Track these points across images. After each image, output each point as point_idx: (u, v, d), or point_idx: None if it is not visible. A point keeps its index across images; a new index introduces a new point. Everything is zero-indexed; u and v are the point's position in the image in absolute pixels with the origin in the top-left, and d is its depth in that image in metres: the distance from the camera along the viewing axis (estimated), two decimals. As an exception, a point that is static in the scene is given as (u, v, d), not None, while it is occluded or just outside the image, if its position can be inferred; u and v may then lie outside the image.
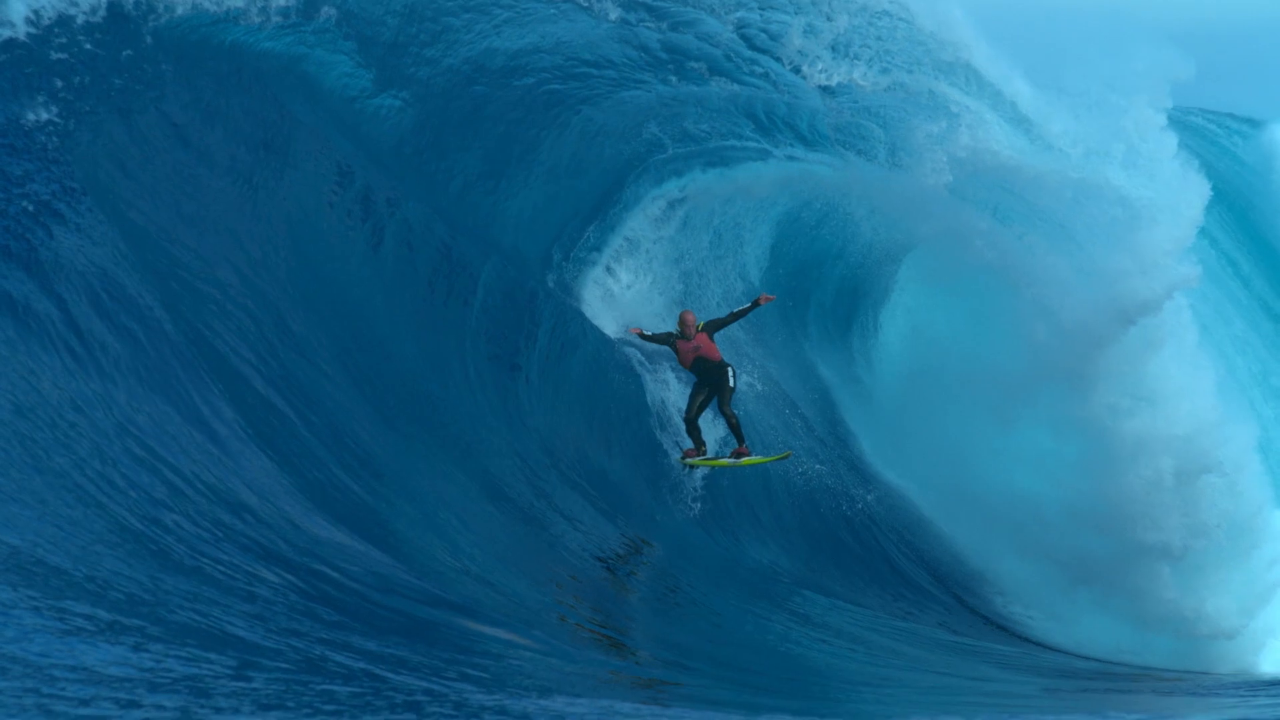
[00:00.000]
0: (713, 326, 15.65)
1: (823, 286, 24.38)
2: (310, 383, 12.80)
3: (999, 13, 22.20)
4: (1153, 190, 21.40)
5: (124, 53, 13.09)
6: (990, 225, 21.09)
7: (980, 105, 21.30)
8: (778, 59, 19.67)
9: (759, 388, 19.83)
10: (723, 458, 16.26)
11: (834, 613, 16.10)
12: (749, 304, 15.88)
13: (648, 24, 18.27)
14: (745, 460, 16.18)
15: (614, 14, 18.07)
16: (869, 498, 20.68)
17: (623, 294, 19.15)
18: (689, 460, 16.30)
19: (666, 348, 16.24)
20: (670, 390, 18.19)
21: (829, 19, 19.27)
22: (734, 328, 17.94)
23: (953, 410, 22.12)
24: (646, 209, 19.96)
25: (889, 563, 19.89)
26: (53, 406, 9.45)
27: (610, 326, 18.39)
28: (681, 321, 15.58)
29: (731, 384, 15.57)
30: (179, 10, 13.60)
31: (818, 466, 19.88)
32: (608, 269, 19.25)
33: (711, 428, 17.06)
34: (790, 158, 20.93)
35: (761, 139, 20.73)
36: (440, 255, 16.43)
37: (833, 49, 19.83)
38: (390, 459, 12.89)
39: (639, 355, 18.42)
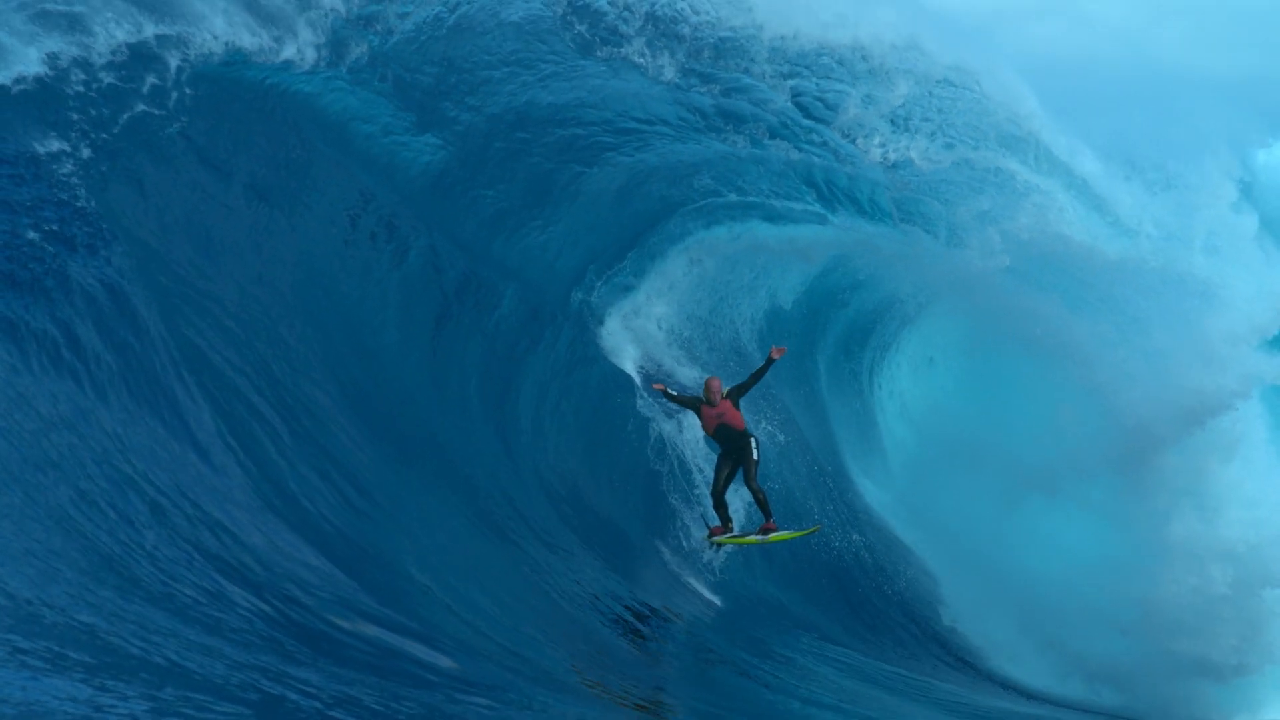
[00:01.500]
0: (736, 393, 15.21)
1: (863, 350, 23.66)
2: (312, 408, 12.68)
3: (1054, 75, 21.36)
4: (1231, 276, 20.39)
5: (150, 87, 12.87)
6: (1054, 310, 20.20)
7: (1050, 184, 20.55)
8: (836, 129, 19.12)
9: (781, 439, 19.11)
10: (750, 534, 15.75)
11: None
12: (764, 362, 15.27)
13: (699, 89, 17.90)
14: (774, 536, 15.61)
15: (668, 74, 17.67)
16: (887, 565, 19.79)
17: (648, 327, 18.65)
18: (716, 539, 15.66)
19: (690, 411, 15.90)
20: (684, 434, 17.60)
21: (888, 89, 18.68)
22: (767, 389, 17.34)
23: (983, 489, 21.09)
24: (690, 248, 19.58)
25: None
26: (43, 421, 9.49)
27: (631, 358, 17.81)
28: (707, 388, 15.15)
29: (755, 456, 15.06)
30: (211, 48, 13.34)
31: (852, 538, 19.07)
32: (638, 300, 18.87)
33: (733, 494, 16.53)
34: (849, 228, 20.38)
35: (820, 205, 20.32)
36: (461, 284, 16.42)
37: (891, 121, 19.30)
38: (384, 488, 12.73)
39: (655, 403, 18.10)
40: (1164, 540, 19.49)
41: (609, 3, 16.69)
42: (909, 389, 24.85)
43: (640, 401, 18.10)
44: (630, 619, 14.38)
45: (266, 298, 13.36)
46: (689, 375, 19.06)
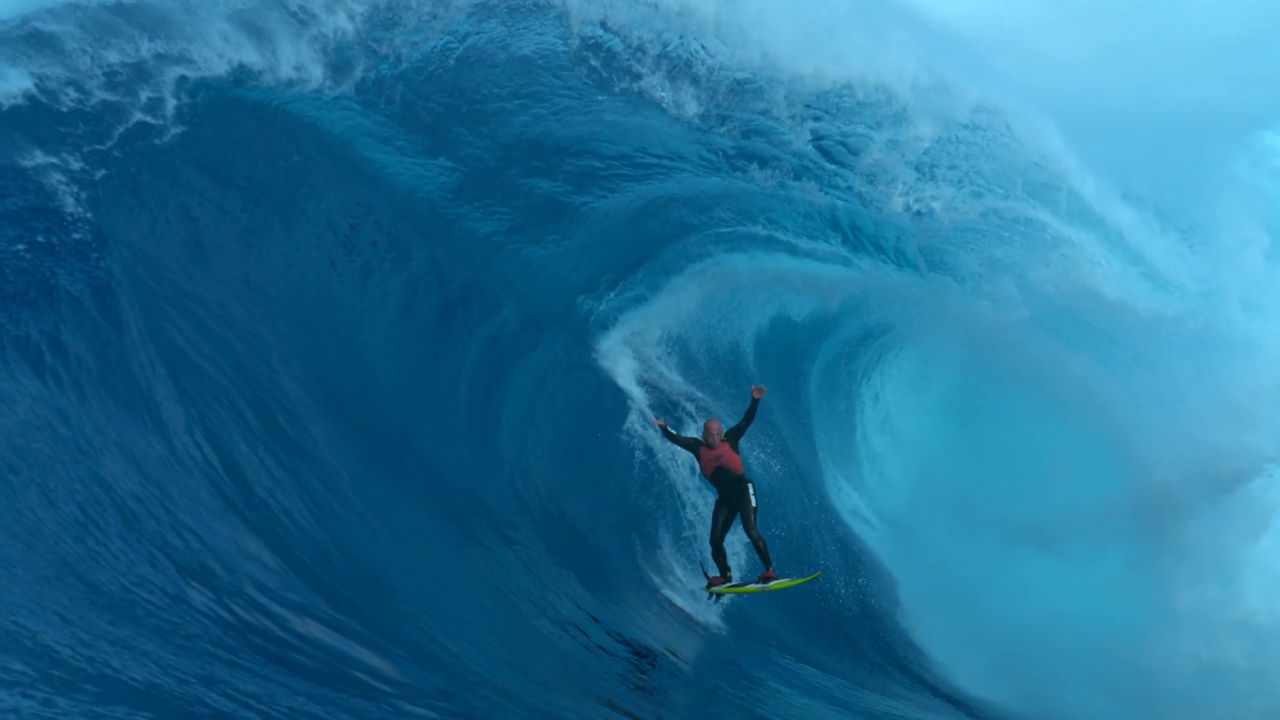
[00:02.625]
0: (734, 435, 14.95)
1: (880, 398, 23.23)
2: (292, 407, 12.79)
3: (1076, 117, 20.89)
4: (1268, 332, 19.82)
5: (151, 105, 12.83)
6: (1080, 365, 19.71)
7: (1082, 235, 20.04)
8: (861, 174, 18.81)
9: (777, 468, 18.72)
10: (750, 583, 15.44)
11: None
12: (750, 403, 14.95)
13: (718, 130, 17.70)
14: (775, 585, 15.34)
15: (688, 113, 17.45)
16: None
17: (652, 339, 18.35)
18: (715, 589, 15.39)
19: (689, 452, 15.69)
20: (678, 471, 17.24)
21: (912, 133, 18.33)
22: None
23: (983, 539, 20.49)
24: (708, 270, 19.33)
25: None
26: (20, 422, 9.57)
27: (630, 370, 17.70)
28: (706, 430, 14.91)
29: (754, 503, 14.78)
30: (212, 66, 13.29)
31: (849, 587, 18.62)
32: (647, 313, 18.75)
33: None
34: (872, 272, 20.05)
35: (844, 248, 20.14)
36: (463, 294, 16.37)
37: (917, 169, 18.91)
38: (360, 491, 12.66)
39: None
40: (1174, 606, 18.79)
41: (622, 43, 16.51)
42: (920, 434, 24.33)
43: (631, 416, 17.89)
44: (603, 635, 14.19)
45: (254, 300, 13.34)
46: (683, 389, 18.70)
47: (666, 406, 18.31)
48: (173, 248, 12.73)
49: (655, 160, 18.15)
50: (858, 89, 17.86)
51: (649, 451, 17.55)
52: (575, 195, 17.68)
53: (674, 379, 18.85)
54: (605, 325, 18.39)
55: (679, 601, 16.47)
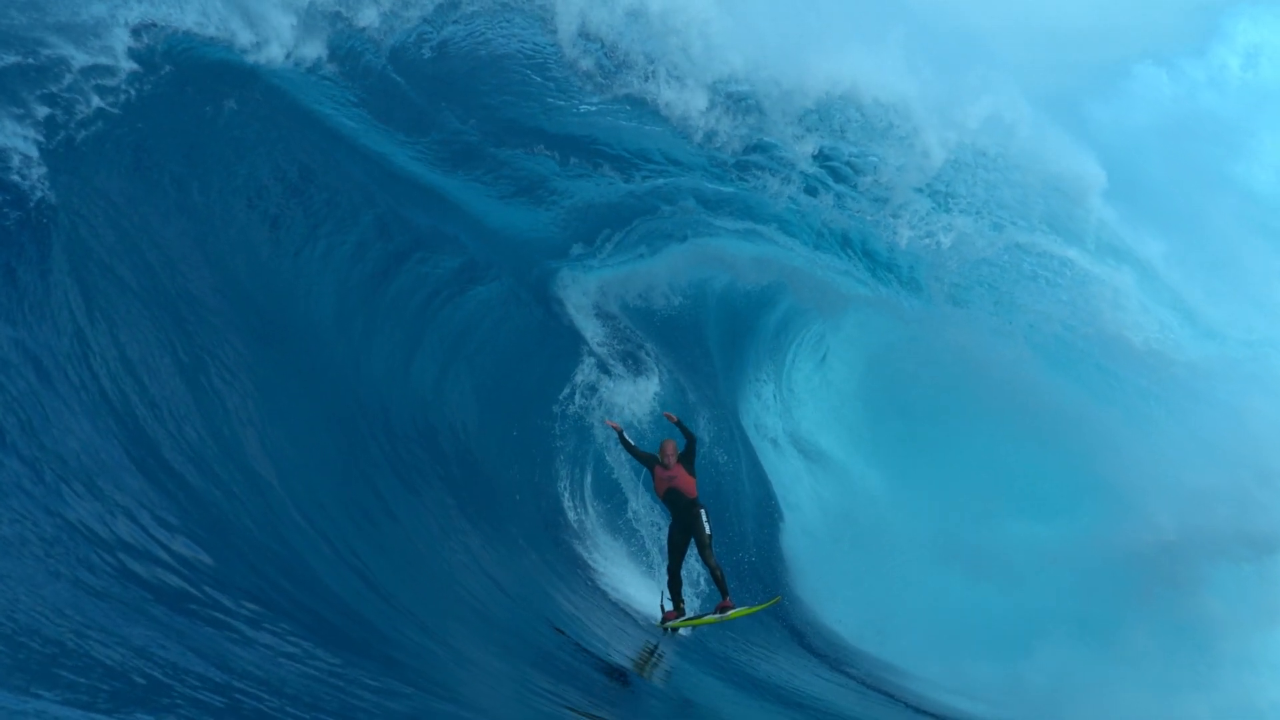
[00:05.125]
0: (686, 459, 14.62)
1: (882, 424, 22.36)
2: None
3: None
4: None
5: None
6: (1116, 425, 18.71)
7: (1113, 273, 19.08)
8: (870, 197, 18.11)
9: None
10: (707, 614, 15.19)
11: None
12: (678, 426, 14.77)
13: (720, 144, 17.04)
14: (733, 614, 15.06)
15: (690, 126, 16.87)
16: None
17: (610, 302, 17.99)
18: (671, 624, 15.09)
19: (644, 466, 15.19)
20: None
21: (923, 156, 17.57)
22: None
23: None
24: (708, 251, 19.06)
25: None
26: None
27: (594, 332, 17.47)
28: (662, 450, 14.58)
29: (708, 530, 14.48)
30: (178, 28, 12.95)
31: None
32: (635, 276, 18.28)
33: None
34: (879, 293, 19.39)
35: (849, 263, 19.45)
36: (418, 242, 15.96)
37: (930, 194, 18.17)
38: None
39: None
40: (1165, 677, 17.52)
41: (604, 52, 16.11)
42: (919, 461, 23.20)
43: (580, 371, 17.56)
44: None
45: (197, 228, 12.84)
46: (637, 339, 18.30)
47: (622, 355, 17.99)
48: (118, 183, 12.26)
49: (651, 164, 17.67)
50: (853, 99, 17.20)
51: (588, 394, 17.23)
52: (557, 176, 17.27)
53: (631, 330, 18.38)
54: (573, 282, 18.07)
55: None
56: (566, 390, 17.20)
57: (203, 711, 7.67)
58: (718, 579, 14.67)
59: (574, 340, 17.71)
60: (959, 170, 18.13)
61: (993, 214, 18.54)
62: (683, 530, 14.64)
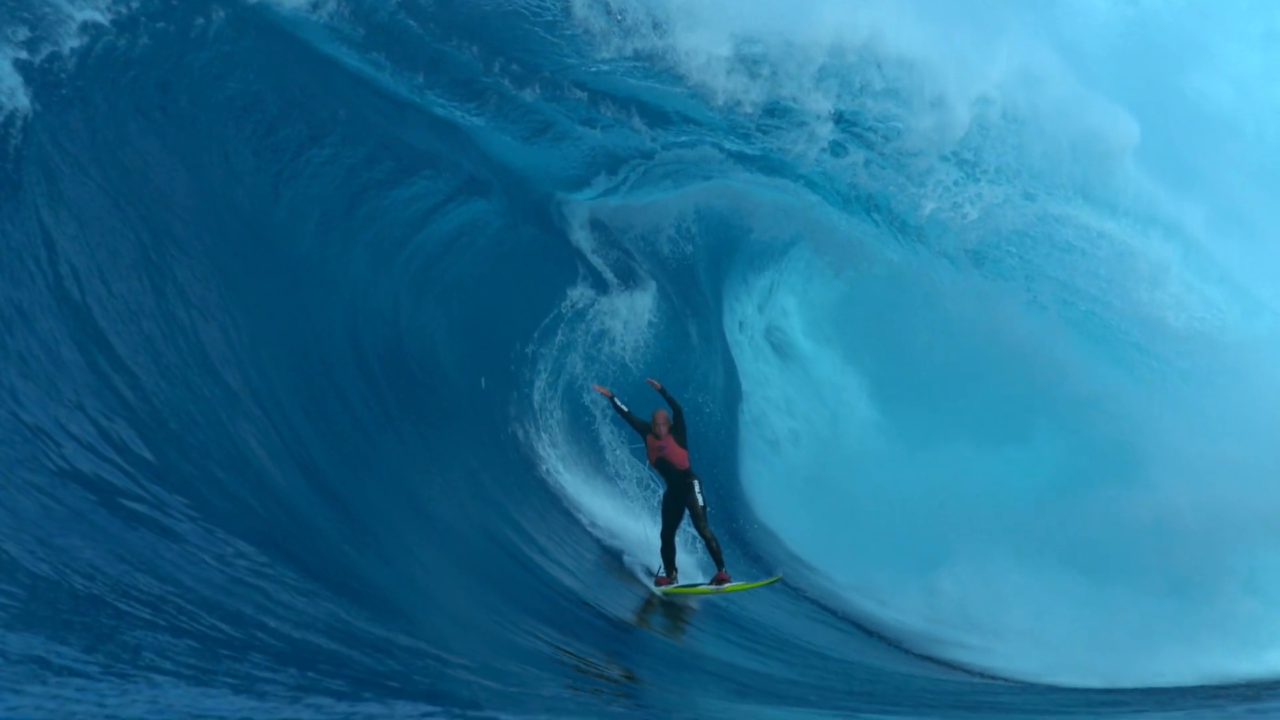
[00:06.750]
0: (678, 431, 14.62)
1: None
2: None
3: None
4: None
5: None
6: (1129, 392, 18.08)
7: (1151, 244, 18.38)
8: (895, 163, 17.55)
9: None
10: (702, 585, 15.21)
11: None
12: (662, 393, 14.76)
13: (745, 109, 16.55)
14: (729, 587, 15.09)
15: (717, 93, 16.36)
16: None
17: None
18: (663, 589, 15.13)
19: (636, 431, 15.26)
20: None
21: (947, 117, 17.01)
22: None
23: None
24: (727, 193, 18.92)
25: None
26: None
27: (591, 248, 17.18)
28: (654, 419, 14.64)
29: (701, 501, 14.59)
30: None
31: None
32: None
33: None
34: (911, 258, 18.80)
35: (877, 229, 18.80)
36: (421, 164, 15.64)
37: (958, 161, 17.59)
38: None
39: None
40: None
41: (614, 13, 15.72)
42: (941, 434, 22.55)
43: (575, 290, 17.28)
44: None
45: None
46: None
47: (622, 275, 17.70)
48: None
49: (670, 126, 17.30)
50: (872, 55, 16.65)
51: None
52: (572, 120, 17.06)
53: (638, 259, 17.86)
54: (584, 211, 17.98)
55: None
56: (573, 309, 17.14)
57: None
58: (713, 550, 14.78)
59: (574, 261, 17.65)
60: (986, 135, 17.57)
61: (1024, 182, 17.95)
62: (676, 500, 14.70)
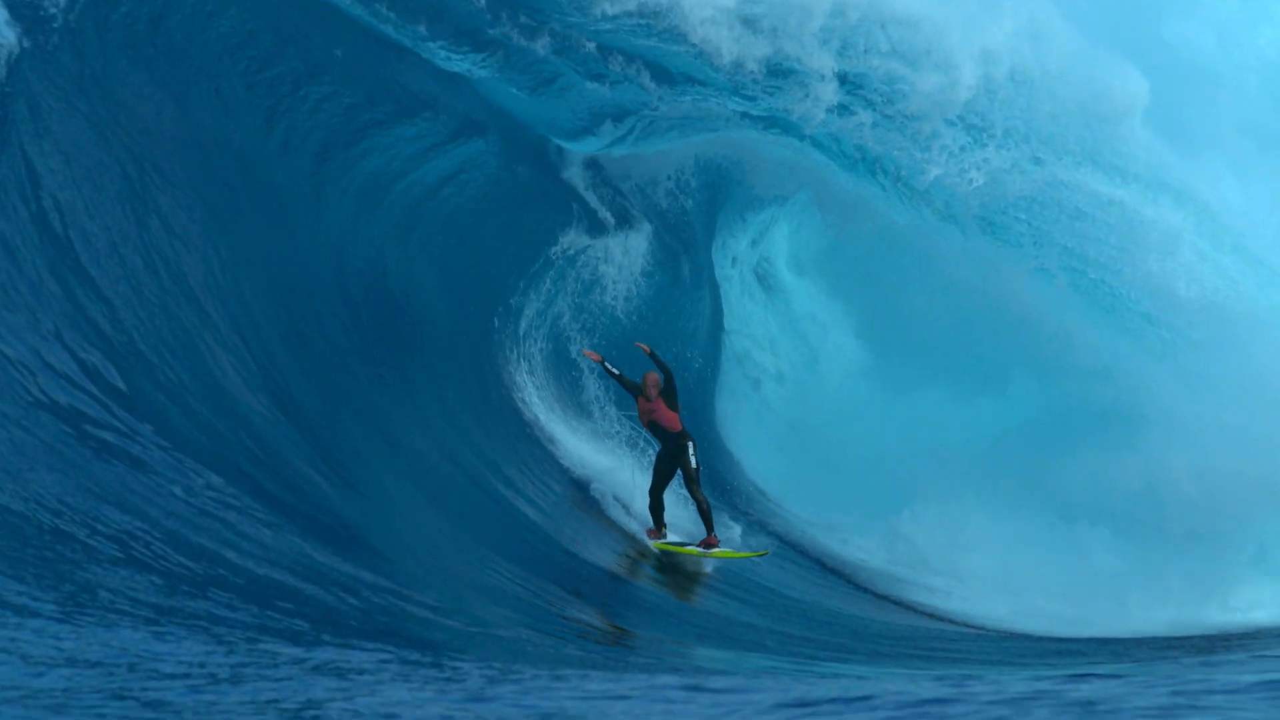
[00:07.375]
0: (668, 394, 14.63)
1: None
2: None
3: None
4: None
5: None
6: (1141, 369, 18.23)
7: (1162, 211, 18.31)
8: (898, 125, 17.45)
9: None
10: (689, 546, 15.24)
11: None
12: (651, 357, 14.78)
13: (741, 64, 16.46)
14: (716, 553, 15.19)
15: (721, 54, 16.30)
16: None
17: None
18: (653, 542, 15.22)
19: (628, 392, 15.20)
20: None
21: (953, 77, 16.85)
22: None
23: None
24: (732, 145, 19.05)
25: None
26: None
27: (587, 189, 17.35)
28: (644, 381, 14.68)
29: (694, 463, 14.66)
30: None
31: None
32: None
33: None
34: (916, 222, 18.81)
35: (882, 189, 18.74)
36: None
37: (965, 126, 17.48)
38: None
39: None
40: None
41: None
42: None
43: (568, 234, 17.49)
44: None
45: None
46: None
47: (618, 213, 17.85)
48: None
49: (675, 85, 17.27)
50: (874, 14, 16.49)
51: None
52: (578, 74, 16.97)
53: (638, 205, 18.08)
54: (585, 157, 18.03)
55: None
56: (566, 252, 17.26)
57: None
58: (703, 513, 14.90)
59: (570, 203, 17.68)
60: (993, 98, 17.45)
61: (1032, 146, 17.88)
62: (669, 460, 14.77)
